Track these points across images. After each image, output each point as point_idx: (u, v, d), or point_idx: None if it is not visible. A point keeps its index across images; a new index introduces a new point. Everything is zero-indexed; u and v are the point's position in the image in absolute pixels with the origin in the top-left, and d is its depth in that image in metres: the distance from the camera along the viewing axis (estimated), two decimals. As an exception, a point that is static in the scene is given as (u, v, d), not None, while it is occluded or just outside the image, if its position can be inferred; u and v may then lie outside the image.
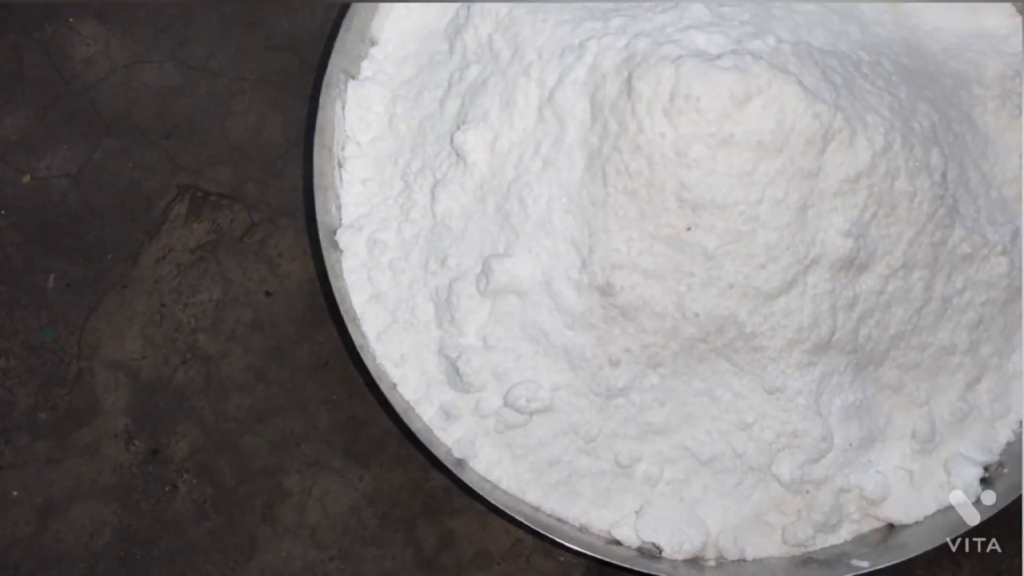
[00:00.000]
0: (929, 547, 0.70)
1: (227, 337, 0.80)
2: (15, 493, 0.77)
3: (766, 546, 0.71)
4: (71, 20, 0.87)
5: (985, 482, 0.72)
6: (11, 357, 0.80)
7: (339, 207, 0.76)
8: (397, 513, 0.77)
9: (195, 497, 0.77)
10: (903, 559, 0.70)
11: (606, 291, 0.67)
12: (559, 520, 0.72)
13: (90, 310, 0.80)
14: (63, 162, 0.84)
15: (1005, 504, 0.71)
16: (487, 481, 0.72)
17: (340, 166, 0.77)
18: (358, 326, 0.73)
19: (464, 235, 0.71)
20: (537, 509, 0.72)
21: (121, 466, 0.77)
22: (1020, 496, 0.71)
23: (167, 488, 0.77)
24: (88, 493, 0.77)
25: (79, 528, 0.76)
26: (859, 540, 0.72)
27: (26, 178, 0.84)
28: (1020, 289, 0.73)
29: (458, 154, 0.71)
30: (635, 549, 0.71)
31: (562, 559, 0.76)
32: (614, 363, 0.68)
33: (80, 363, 0.79)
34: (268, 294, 0.81)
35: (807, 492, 0.71)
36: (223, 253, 0.82)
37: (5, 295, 0.81)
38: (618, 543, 0.71)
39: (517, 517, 0.70)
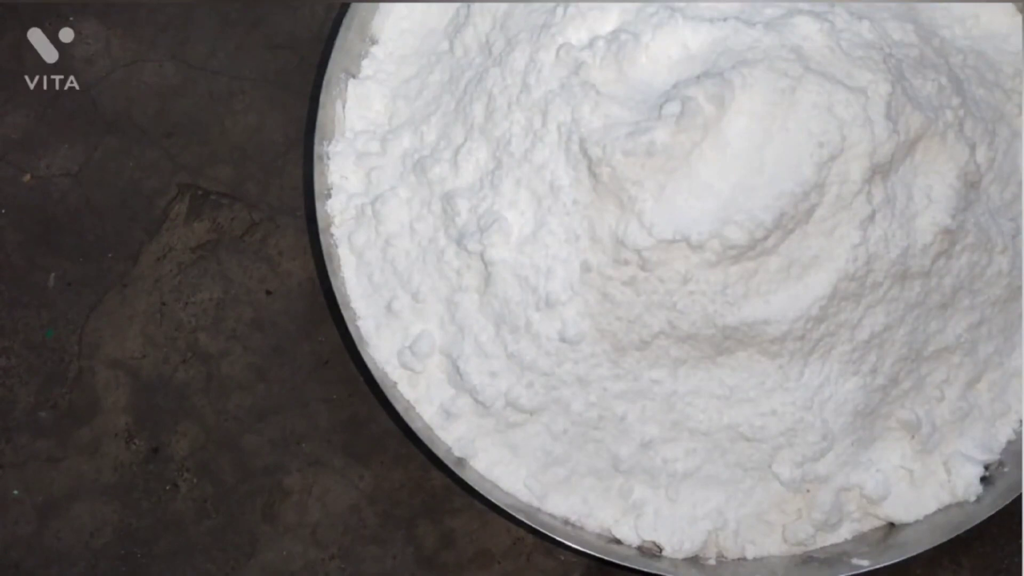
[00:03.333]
0: (929, 546, 0.70)
1: (227, 336, 0.80)
2: (16, 492, 0.77)
3: (766, 545, 0.71)
4: (72, 19, 0.87)
5: (985, 481, 0.73)
6: (12, 356, 0.80)
7: (339, 206, 0.76)
8: (397, 512, 0.77)
9: (196, 496, 0.77)
10: (903, 558, 0.70)
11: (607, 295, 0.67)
12: (559, 519, 0.72)
13: (91, 309, 0.80)
14: (63, 161, 0.84)
15: (1005, 503, 0.71)
16: (487, 480, 0.72)
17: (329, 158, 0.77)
18: (358, 325, 0.74)
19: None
20: (537, 508, 0.72)
21: (122, 465, 0.78)
22: (1020, 496, 0.71)
23: (168, 487, 0.77)
24: (89, 492, 0.77)
25: (80, 527, 0.76)
26: (859, 539, 0.72)
27: (26, 177, 0.84)
28: (1020, 288, 0.73)
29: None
30: (635, 548, 0.71)
31: (562, 558, 0.76)
32: (614, 363, 0.68)
33: (81, 362, 0.79)
34: (268, 293, 0.81)
35: (807, 491, 0.71)
36: (223, 252, 0.82)
37: (6, 294, 0.81)
38: (618, 542, 0.71)
39: (517, 516, 0.70)
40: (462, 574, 0.76)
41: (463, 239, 0.70)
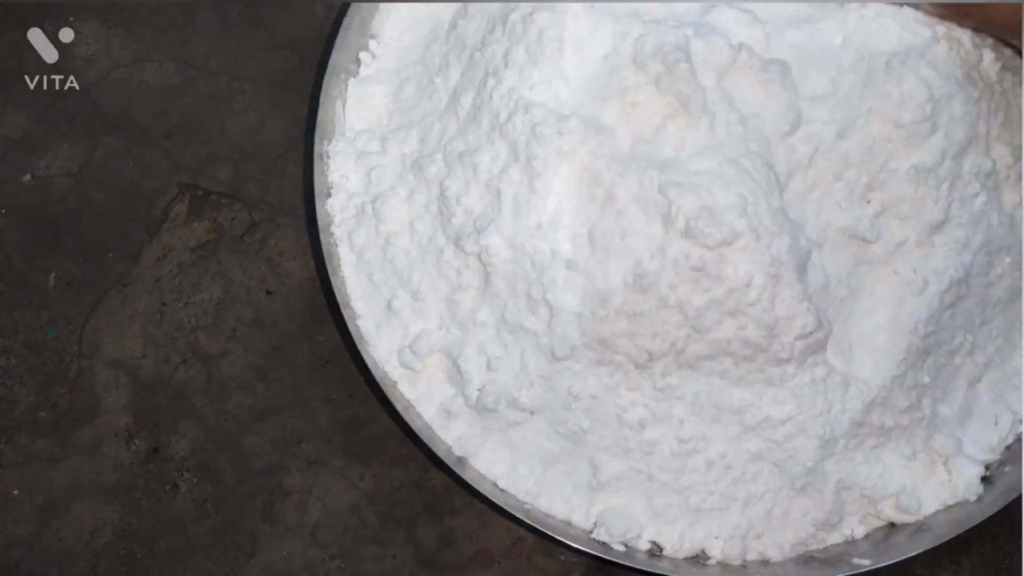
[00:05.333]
0: (929, 546, 0.70)
1: (228, 336, 0.80)
2: (16, 492, 0.77)
3: (767, 545, 0.71)
4: (72, 19, 0.87)
5: (985, 481, 0.72)
6: (12, 356, 0.80)
7: (339, 205, 0.76)
8: (398, 512, 0.77)
9: (196, 496, 0.77)
10: (903, 558, 0.70)
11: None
12: (559, 519, 0.71)
13: (91, 309, 0.80)
14: (64, 161, 0.84)
15: (1005, 503, 0.71)
16: (487, 480, 0.72)
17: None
18: (358, 324, 0.74)
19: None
20: (537, 508, 0.72)
21: (122, 465, 0.78)
22: (1020, 496, 0.71)
23: (168, 487, 0.77)
24: (89, 492, 0.77)
25: (80, 527, 0.76)
26: (859, 539, 0.72)
27: (27, 177, 0.84)
28: (1021, 288, 0.73)
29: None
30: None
31: (562, 557, 0.76)
32: (610, 364, 0.68)
33: (81, 362, 0.79)
34: (269, 293, 0.81)
35: (807, 491, 0.71)
36: (224, 252, 0.82)
37: (6, 294, 0.81)
38: (619, 542, 0.71)
39: (517, 515, 0.70)
40: (462, 574, 0.76)
41: (460, 240, 0.70)
